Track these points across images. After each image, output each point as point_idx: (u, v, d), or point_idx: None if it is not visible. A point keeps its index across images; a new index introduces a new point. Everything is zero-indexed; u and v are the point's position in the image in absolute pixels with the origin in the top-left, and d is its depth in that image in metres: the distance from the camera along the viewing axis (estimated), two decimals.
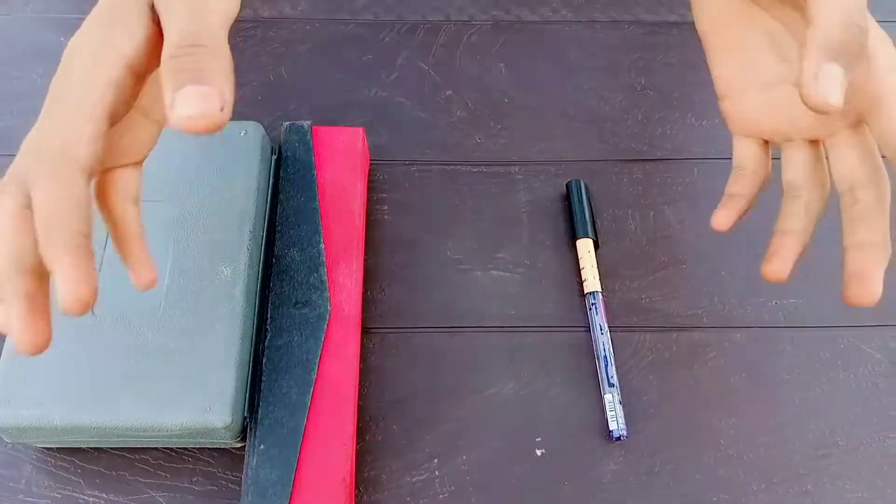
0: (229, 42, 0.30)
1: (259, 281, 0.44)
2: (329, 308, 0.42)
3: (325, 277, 0.43)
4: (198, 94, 0.27)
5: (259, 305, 0.43)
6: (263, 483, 0.38)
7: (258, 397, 0.40)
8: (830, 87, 0.30)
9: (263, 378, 0.41)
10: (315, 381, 0.41)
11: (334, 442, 0.40)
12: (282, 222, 0.45)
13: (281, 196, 0.46)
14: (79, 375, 0.39)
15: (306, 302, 0.42)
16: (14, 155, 0.49)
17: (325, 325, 0.42)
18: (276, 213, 0.45)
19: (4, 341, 0.40)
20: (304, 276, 0.43)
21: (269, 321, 0.42)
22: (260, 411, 0.40)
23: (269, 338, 0.42)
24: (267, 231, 0.45)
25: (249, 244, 0.43)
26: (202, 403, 0.39)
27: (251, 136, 0.46)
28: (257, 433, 0.40)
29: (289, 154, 0.47)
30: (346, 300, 0.43)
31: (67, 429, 0.39)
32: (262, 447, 0.39)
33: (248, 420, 0.41)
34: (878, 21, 0.57)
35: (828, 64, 0.30)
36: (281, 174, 0.46)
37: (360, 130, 0.48)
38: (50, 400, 0.39)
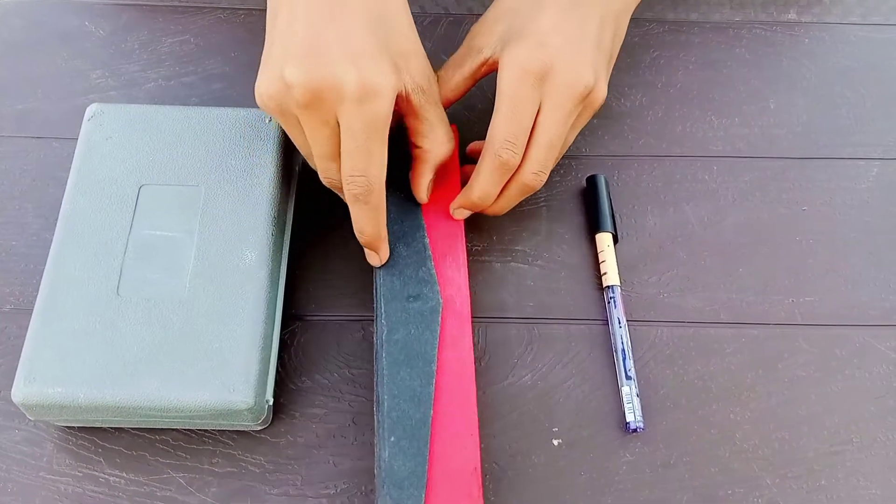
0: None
1: (284, 265, 0.45)
2: (441, 300, 0.43)
3: (434, 271, 0.43)
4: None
5: (284, 290, 0.44)
6: (398, 475, 0.38)
7: (284, 382, 0.41)
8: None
9: (385, 372, 0.41)
10: (436, 373, 0.41)
11: (462, 432, 0.40)
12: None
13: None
14: (104, 355, 0.39)
15: (417, 295, 0.43)
16: (40, 137, 0.50)
17: (440, 318, 0.42)
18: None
19: (30, 319, 0.40)
20: (413, 270, 0.44)
21: (383, 316, 0.42)
22: (385, 404, 0.40)
23: (385, 332, 0.42)
24: (293, 217, 0.45)
25: (273, 230, 0.43)
26: (225, 385, 0.39)
27: (275, 122, 0.46)
28: (386, 426, 0.39)
29: None
30: (456, 293, 0.43)
31: (91, 407, 0.39)
32: (392, 439, 0.39)
33: (270, 404, 0.41)
34: (878, 24, 0.58)
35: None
36: None
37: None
38: (75, 378, 0.39)
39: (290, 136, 0.42)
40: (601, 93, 0.44)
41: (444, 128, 0.44)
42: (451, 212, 0.46)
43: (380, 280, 0.43)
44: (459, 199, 0.45)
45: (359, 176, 0.39)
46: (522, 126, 0.42)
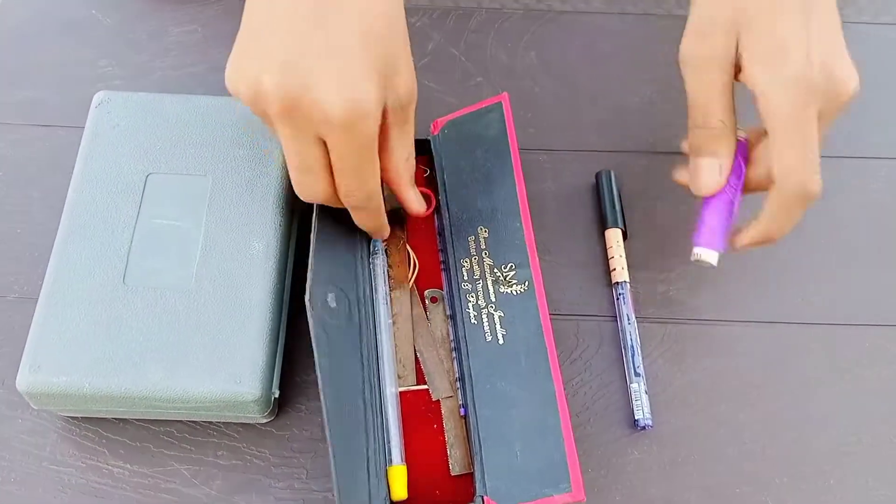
0: None
1: (291, 256, 0.44)
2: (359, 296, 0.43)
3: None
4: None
5: (291, 281, 0.43)
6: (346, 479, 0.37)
7: (290, 375, 0.40)
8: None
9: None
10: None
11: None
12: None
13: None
14: (109, 344, 0.39)
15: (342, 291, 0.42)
16: (47, 125, 0.49)
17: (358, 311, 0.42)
18: None
19: (35, 308, 0.40)
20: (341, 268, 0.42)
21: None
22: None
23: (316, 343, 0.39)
24: (300, 207, 0.45)
25: (281, 219, 0.43)
26: (231, 376, 0.39)
27: None
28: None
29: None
30: None
31: (96, 397, 0.39)
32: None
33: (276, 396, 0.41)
34: (889, 23, 0.57)
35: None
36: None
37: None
38: (79, 368, 0.39)
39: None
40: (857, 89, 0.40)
41: (408, 150, 0.40)
42: (737, 245, 0.42)
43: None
44: (751, 235, 0.41)
45: (356, 191, 0.38)
46: (816, 150, 0.39)
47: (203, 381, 0.39)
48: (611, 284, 0.47)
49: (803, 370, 0.45)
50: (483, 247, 0.43)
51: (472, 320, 0.41)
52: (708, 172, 0.41)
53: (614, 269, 0.47)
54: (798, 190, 0.39)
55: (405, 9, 0.39)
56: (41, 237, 0.46)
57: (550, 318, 0.40)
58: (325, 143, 0.36)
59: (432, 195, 0.47)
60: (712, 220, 0.41)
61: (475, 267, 0.42)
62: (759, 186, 0.41)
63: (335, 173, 0.38)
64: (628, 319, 0.45)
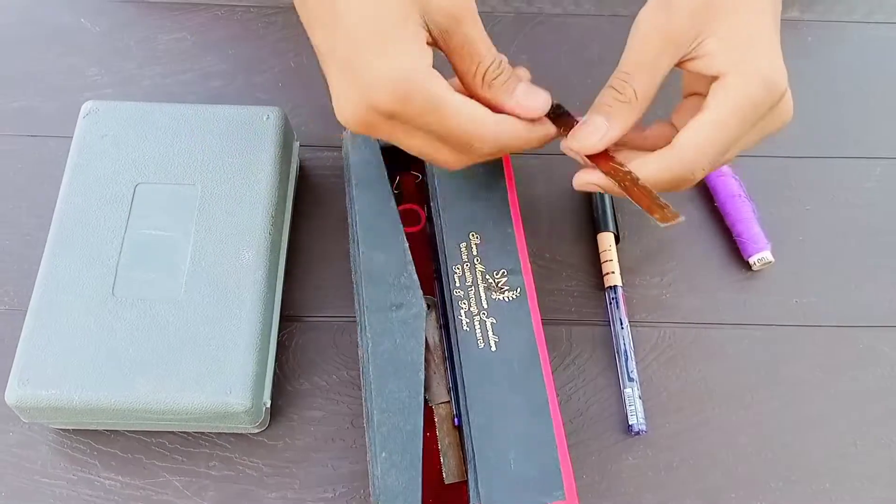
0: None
1: (281, 266, 0.44)
2: (424, 306, 0.41)
3: (415, 276, 0.42)
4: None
5: (282, 291, 0.43)
6: (393, 490, 0.37)
7: (282, 384, 0.40)
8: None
9: (373, 385, 0.39)
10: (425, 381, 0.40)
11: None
12: (361, 226, 0.43)
13: (356, 202, 0.44)
14: (98, 356, 0.39)
15: (400, 304, 0.41)
16: (35, 136, 0.49)
17: (424, 324, 0.41)
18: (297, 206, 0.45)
19: (25, 320, 0.40)
20: (394, 277, 0.42)
21: (367, 328, 0.41)
22: (375, 419, 0.38)
23: (371, 345, 0.40)
24: (291, 216, 0.45)
25: (271, 229, 0.43)
26: (222, 386, 0.38)
27: (272, 121, 0.45)
28: (377, 441, 0.38)
29: (356, 158, 0.45)
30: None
31: (86, 409, 0.38)
32: (383, 455, 0.38)
33: (268, 407, 0.40)
34: (882, 22, 0.57)
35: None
36: (353, 179, 0.45)
37: None
38: (69, 380, 0.38)
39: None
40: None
41: (490, 54, 0.37)
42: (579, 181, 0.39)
43: (361, 291, 0.42)
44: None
45: (465, 146, 0.36)
46: (730, 151, 0.38)
47: (193, 392, 0.38)
48: (603, 289, 0.47)
49: (797, 373, 0.45)
50: (475, 253, 0.42)
51: (465, 327, 0.41)
52: (591, 130, 0.38)
53: (607, 274, 0.46)
54: (688, 175, 0.37)
55: None
56: (30, 248, 0.46)
57: (543, 325, 0.40)
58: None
59: (421, 210, 0.46)
60: (751, 230, 0.47)
61: (467, 274, 0.42)
62: (641, 146, 0.40)
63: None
64: (621, 324, 0.45)
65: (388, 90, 0.34)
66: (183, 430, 0.42)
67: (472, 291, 0.41)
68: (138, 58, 0.54)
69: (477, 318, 0.41)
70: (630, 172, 0.38)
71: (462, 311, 0.41)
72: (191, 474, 0.41)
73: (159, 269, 0.41)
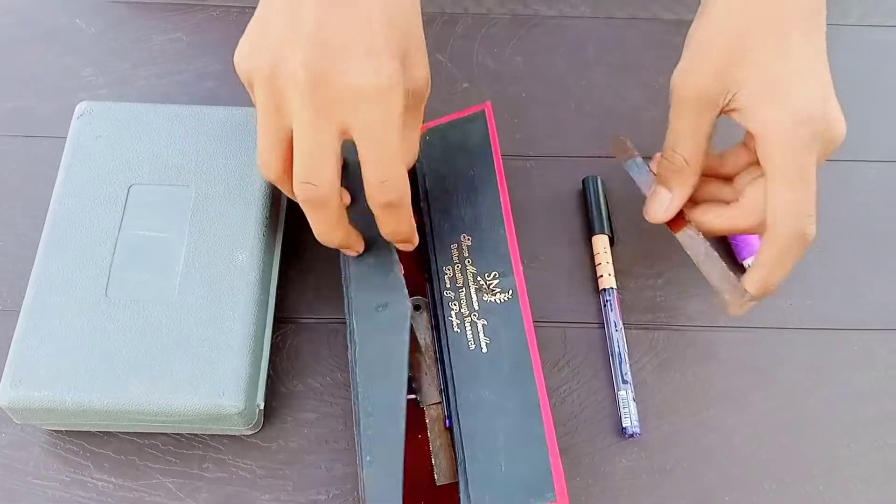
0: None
1: (275, 268, 0.44)
2: (410, 306, 0.41)
3: (401, 276, 0.41)
4: None
5: (276, 292, 0.43)
6: (376, 493, 0.37)
7: (275, 386, 0.40)
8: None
9: (359, 389, 0.39)
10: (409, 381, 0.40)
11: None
12: None
13: None
14: (91, 357, 0.39)
15: (386, 304, 0.41)
16: (30, 136, 0.49)
17: (409, 324, 0.40)
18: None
19: (17, 321, 0.40)
20: (381, 278, 0.42)
21: (355, 332, 0.41)
22: (361, 422, 0.38)
23: (357, 347, 0.40)
24: (285, 218, 0.45)
25: (265, 230, 0.43)
26: (215, 389, 0.38)
27: None
28: (362, 444, 0.38)
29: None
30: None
31: (78, 411, 0.38)
32: (368, 458, 0.38)
33: (261, 409, 0.40)
34: (876, 25, 0.57)
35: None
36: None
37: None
38: (62, 381, 0.38)
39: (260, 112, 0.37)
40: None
41: (414, 142, 0.39)
42: (734, 308, 0.41)
43: (350, 292, 0.42)
44: (752, 284, 0.40)
45: (387, 179, 0.36)
46: (814, 193, 0.38)
47: (186, 393, 0.38)
48: (598, 291, 0.47)
49: (792, 375, 0.45)
50: (466, 255, 0.42)
51: (456, 329, 0.40)
52: (658, 202, 0.42)
53: (601, 276, 0.46)
54: (796, 234, 0.38)
55: None
56: (23, 249, 0.46)
57: (535, 327, 0.40)
58: (342, 133, 0.35)
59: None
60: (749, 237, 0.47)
61: (458, 275, 0.42)
62: (749, 230, 0.41)
63: (362, 163, 0.36)
64: (616, 326, 0.45)
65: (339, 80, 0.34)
66: (176, 431, 0.42)
67: (464, 293, 0.41)
68: (133, 58, 0.54)
69: (468, 319, 0.40)
70: (702, 237, 0.41)
71: (453, 313, 0.41)
72: (184, 476, 0.41)
73: (153, 271, 0.41)
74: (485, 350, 0.40)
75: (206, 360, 0.39)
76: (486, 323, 0.40)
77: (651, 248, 0.48)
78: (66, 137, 0.45)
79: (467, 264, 0.42)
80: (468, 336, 0.40)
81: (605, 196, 0.49)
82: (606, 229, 0.47)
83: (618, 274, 0.47)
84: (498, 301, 0.41)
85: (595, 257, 0.47)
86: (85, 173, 0.43)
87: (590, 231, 0.48)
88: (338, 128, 0.35)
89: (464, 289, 0.41)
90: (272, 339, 0.43)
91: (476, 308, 0.41)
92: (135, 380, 0.38)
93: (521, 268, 0.42)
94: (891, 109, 0.54)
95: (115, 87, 0.53)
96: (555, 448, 0.37)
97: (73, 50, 0.54)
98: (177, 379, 0.38)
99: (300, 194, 0.36)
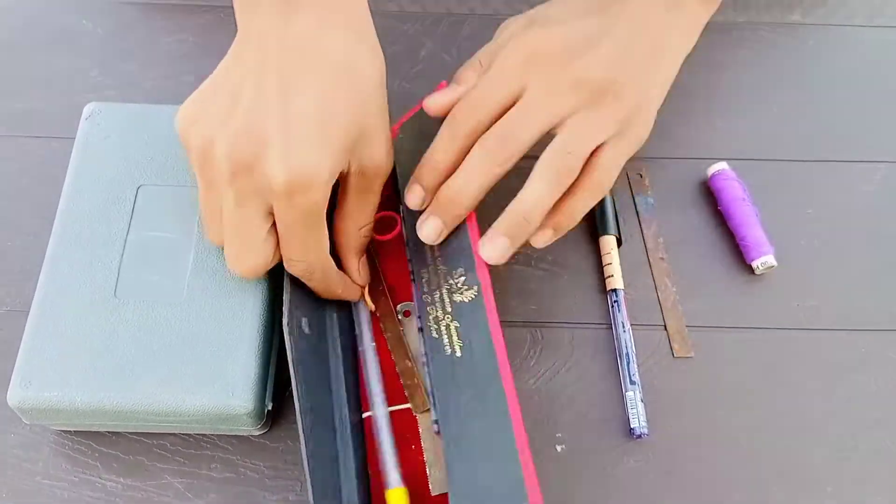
0: None
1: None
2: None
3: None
4: None
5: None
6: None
7: (284, 387, 0.40)
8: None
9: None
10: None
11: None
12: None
13: None
14: (100, 358, 0.39)
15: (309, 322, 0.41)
16: (38, 137, 0.49)
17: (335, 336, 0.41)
18: None
19: (27, 322, 0.40)
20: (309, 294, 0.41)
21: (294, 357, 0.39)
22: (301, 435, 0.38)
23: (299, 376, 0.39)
24: None
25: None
26: (224, 389, 0.38)
27: None
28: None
29: None
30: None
31: (88, 411, 0.38)
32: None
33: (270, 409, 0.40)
34: (883, 26, 0.57)
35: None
36: None
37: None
38: (72, 382, 0.38)
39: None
40: None
41: (365, 219, 0.40)
42: (483, 250, 0.39)
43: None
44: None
45: (297, 262, 0.38)
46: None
47: (195, 394, 0.38)
48: (605, 292, 0.47)
49: (799, 376, 0.45)
50: (437, 254, 0.41)
51: (434, 333, 0.39)
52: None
53: (609, 277, 0.46)
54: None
55: (400, 15, 0.39)
56: (32, 250, 0.46)
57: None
58: (270, 215, 0.37)
59: (398, 216, 0.46)
60: (754, 234, 0.47)
61: (432, 277, 0.41)
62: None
63: (280, 242, 0.38)
64: (623, 327, 0.45)
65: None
66: (185, 431, 0.42)
67: (437, 295, 0.40)
68: (140, 59, 0.54)
69: (443, 322, 0.39)
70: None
71: (430, 318, 0.40)
72: (192, 476, 0.41)
73: (162, 271, 0.41)
74: (459, 354, 0.38)
75: (215, 361, 0.39)
76: (458, 325, 0.39)
77: (658, 249, 0.48)
78: (74, 138, 0.45)
79: (438, 264, 0.41)
80: (444, 340, 0.39)
81: (612, 197, 0.49)
82: (614, 230, 0.48)
83: (625, 275, 0.47)
84: (466, 300, 0.39)
85: (602, 258, 0.47)
86: (93, 174, 0.43)
87: (597, 232, 0.48)
88: (263, 211, 0.37)
89: (437, 291, 0.40)
90: (280, 339, 0.44)
91: (449, 311, 0.39)
92: (144, 380, 0.38)
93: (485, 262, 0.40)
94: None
95: (123, 89, 0.53)
96: (527, 454, 0.34)
97: (81, 51, 0.54)
98: (186, 379, 0.38)
99: (232, 270, 0.39)
